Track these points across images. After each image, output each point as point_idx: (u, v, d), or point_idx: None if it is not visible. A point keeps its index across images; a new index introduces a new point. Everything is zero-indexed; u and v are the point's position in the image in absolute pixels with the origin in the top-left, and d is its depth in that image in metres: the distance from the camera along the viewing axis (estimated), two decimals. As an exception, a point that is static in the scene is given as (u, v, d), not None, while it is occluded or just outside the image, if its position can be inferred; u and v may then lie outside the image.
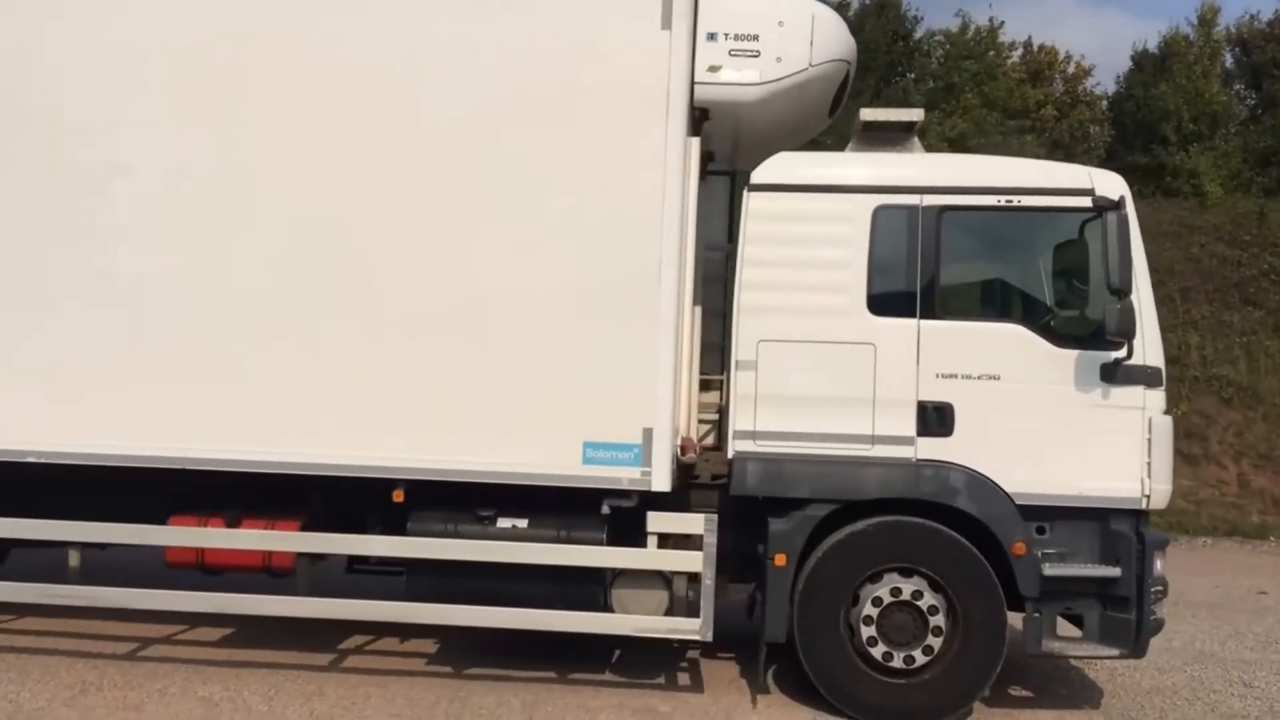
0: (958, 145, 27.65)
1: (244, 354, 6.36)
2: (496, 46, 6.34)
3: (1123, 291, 5.89)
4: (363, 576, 7.18)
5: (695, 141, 6.63)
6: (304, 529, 6.64)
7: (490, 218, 6.33)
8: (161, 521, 6.65)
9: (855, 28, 32.08)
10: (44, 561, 7.02)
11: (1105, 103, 32.71)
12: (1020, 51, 32.81)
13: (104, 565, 7.04)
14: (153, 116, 6.47)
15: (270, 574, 6.76)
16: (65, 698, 6.14)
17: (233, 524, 6.64)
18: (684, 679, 6.99)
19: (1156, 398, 6.26)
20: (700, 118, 6.72)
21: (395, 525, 6.58)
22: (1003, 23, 31.44)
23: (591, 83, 6.28)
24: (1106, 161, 32.36)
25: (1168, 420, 6.31)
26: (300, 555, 6.55)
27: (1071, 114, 31.67)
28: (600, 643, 6.92)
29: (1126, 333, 5.96)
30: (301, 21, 6.47)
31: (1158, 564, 6.23)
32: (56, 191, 6.50)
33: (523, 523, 6.44)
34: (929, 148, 25.78)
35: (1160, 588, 6.23)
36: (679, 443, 6.50)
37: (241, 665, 6.89)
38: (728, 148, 7.28)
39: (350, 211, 6.38)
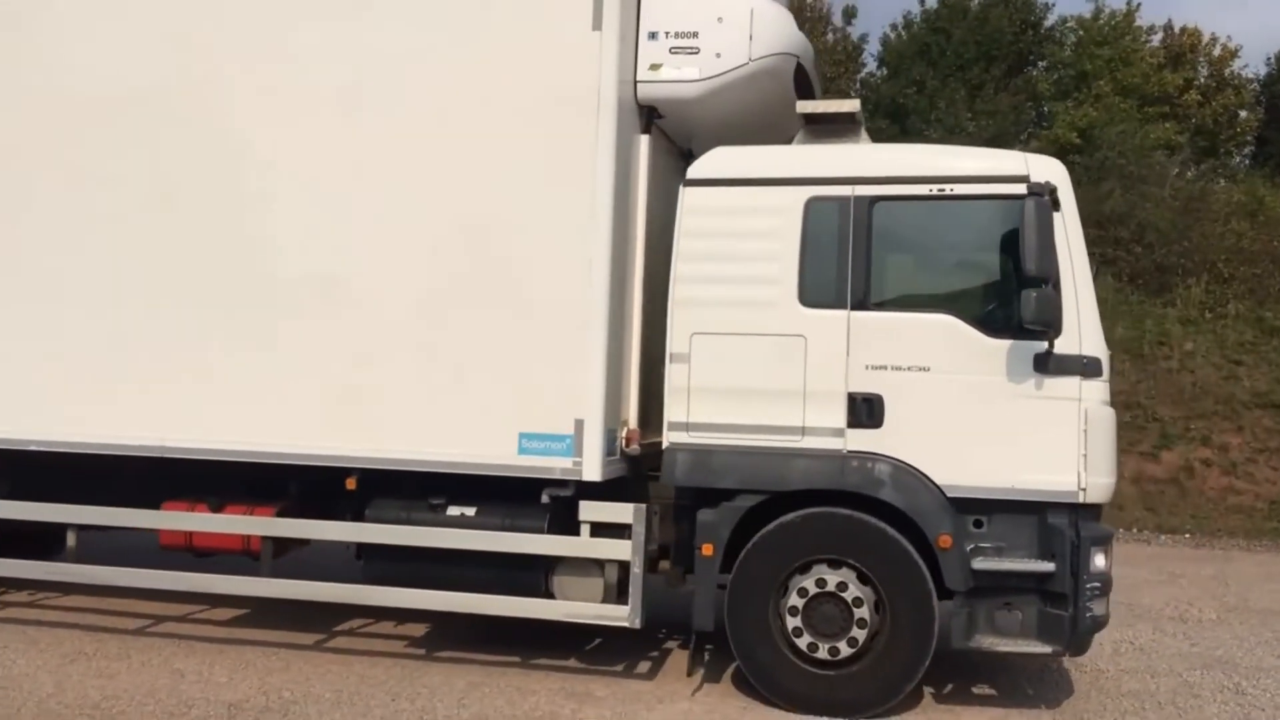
0: (1087, 135, 26.68)
1: (215, 358, 6.84)
2: (435, 53, 6.63)
3: (1041, 279, 5.76)
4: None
5: (645, 139, 6.81)
6: (279, 515, 7.07)
7: (430, 221, 6.63)
8: (156, 507, 7.19)
9: (979, 18, 31.06)
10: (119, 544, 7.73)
11: (1255, 85, 30.94)
12: (1160, 35, 31.33)
13: (133, 549, 7.64)
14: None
15: (251, 556, 7.20)
16: (53, 665, 6.70)
17: (216, 509, 7.12)
18: (644, 667, 7.11)
19: (1095, 389, 6.08)
20: (650, 115, 6.85)
21: (361, 514, 6.93)
22: (1139, 5, 30.09)
23: (524, 84, 6.51)
24: (1259, 148, 30.70)
25: (1106, 411, 6.13)
26: (265, 539, 6.96)
27: (1217, 99, 30.04)
28: (581, 630, 7.11)
29: (1044, 321, 5.81)
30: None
31: (1098, 560, 6.04)
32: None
33: (471, 511, 6.70)
34: (1056, 138, 24.95)
35: (1098, 584, 6.03)
36: (624, 435, 6.68)
37: (231, 643, 7.38)
38: (696, 144, 7.37)
39: (312, 226, 6.78)
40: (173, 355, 6.90)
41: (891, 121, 29.79)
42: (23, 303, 7.19)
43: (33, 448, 7.11)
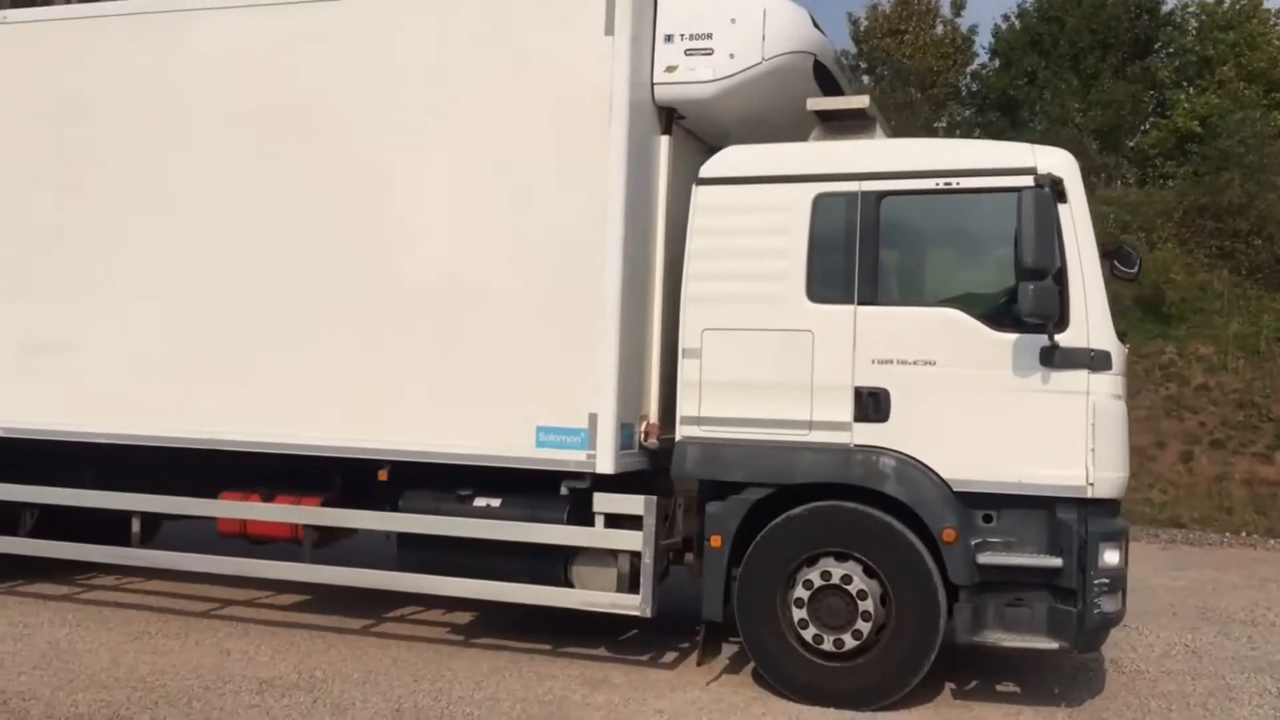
0: (1208, 123, 25.70)
1: (261, 360, 7.28)
2: (468, 66, 6.93)
3: (1039, 272, 5.72)
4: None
5: (665, 140, 6.98)
6: (323, 505, 7.46)
7: (453, 224, 6.92)
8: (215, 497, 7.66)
9: (1094, 5, 30.07)
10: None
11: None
12: (1290, 17, 29.88)
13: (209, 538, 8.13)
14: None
15: (299, 544, 7.60)
16: (115, 642, 7.20)
17: (267, 500, 7.55)
18: (669, 658, 7.26)
19: (1103, 382, 6.01)
20: (670, 116, 7.01)
21: (396, 505, 7.26)
22: (1267, -14, 28.80)
23: (541, 88, 6.75)
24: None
25: (1115, 405, 6.05)
26: (307, 527, 7.35)
27: (1354, 82, 28.51)
28: (618, 621, 7.21)
29: (1042, 314, 5.79)
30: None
31: (1107, 555, 5.97)
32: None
33: (496, 502, 6.96)
34: (1176, 128, 24.11)
35: (1106, 580, 5.95)
36: (644, 428, 6.85)
37: (284, 625, 7.81)
38: (729, 143, 7.48)
39: (341, 235, 7.16)
40: (228, 358, 7.34)
41: (1002, 114, 29.21)
42: (129, 307, 7.67)
43: (115, 440, 7.61)
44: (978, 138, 31.91)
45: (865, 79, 32.36)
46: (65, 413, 7.70)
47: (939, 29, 31.97)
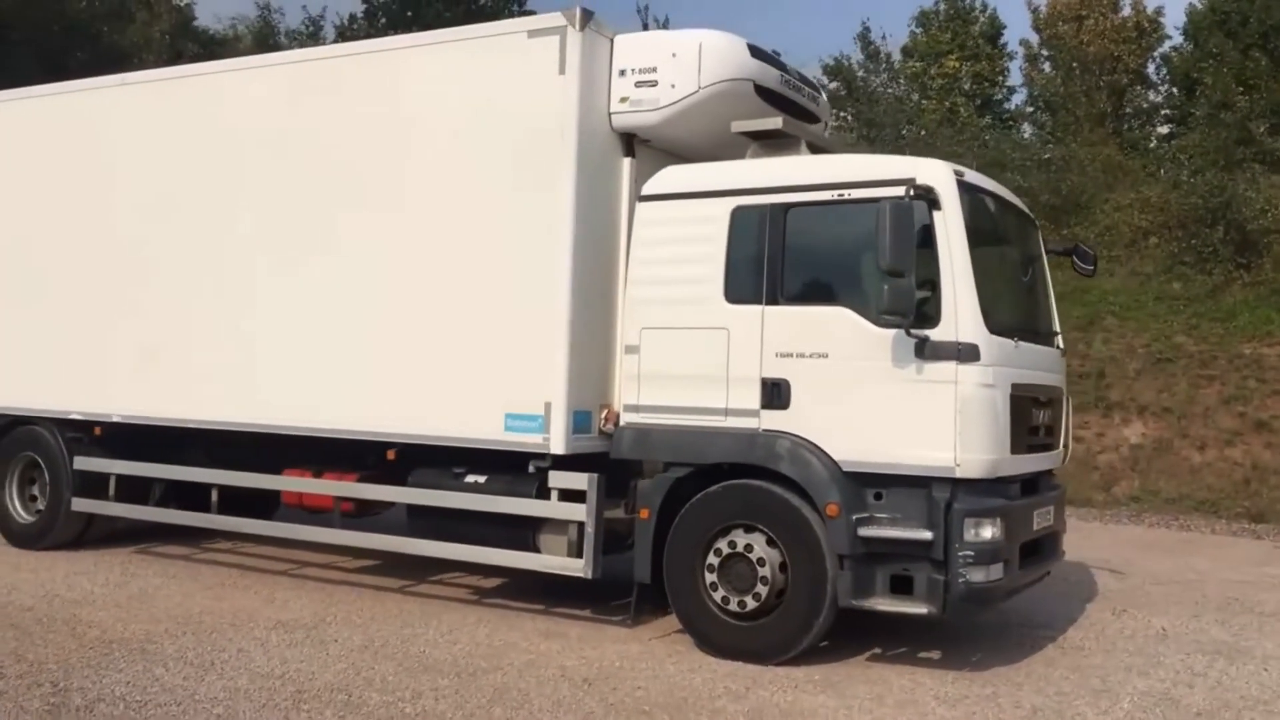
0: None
1: (300, 362, 8.73)
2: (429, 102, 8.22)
3: (895, 273, 6.37)
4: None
5: (627, 161, 7.95)
6: (360, 481, 8.81)
7: (436, 241, 8.16)
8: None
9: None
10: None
11: None
12: None
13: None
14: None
15: (344, 515, 8.97)
16: (191, 591, 8.74)
17: (317, 476, 8.98)
18: (643, 618, 8.14)
19: (972, 372, 6.57)
20: (631, 141, 7.97)
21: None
22: None
23: (504, 122, 7.88)
24: None
25: (981, 392, 6.60)
26: (336, 498, 8.74)
27: None
28: (623, 590, 8.00)
29: (899, 311, 6.44)
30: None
31: (973, 530, 6.55)
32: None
33: (482, 479, 8.10)
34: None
35: (972, 552, 6.52)
36: (604, 415, 7.85)
37: (335, 583, 9.21)
38: (700, 159, 8.36)
39: (354, 267, 8.51)
40: (278, 362, 8.83)
41: (1189, 98, 28.08)
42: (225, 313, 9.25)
43: (199, 426, 9.25)
44: (1159, 123, 30.72)
45: (1046, 67, 31.72)
46: (164, 404, 9.39)
47: (1126, 10, 30.87)
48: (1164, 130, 30.05)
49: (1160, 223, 21.66)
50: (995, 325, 6.78)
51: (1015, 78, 32.95)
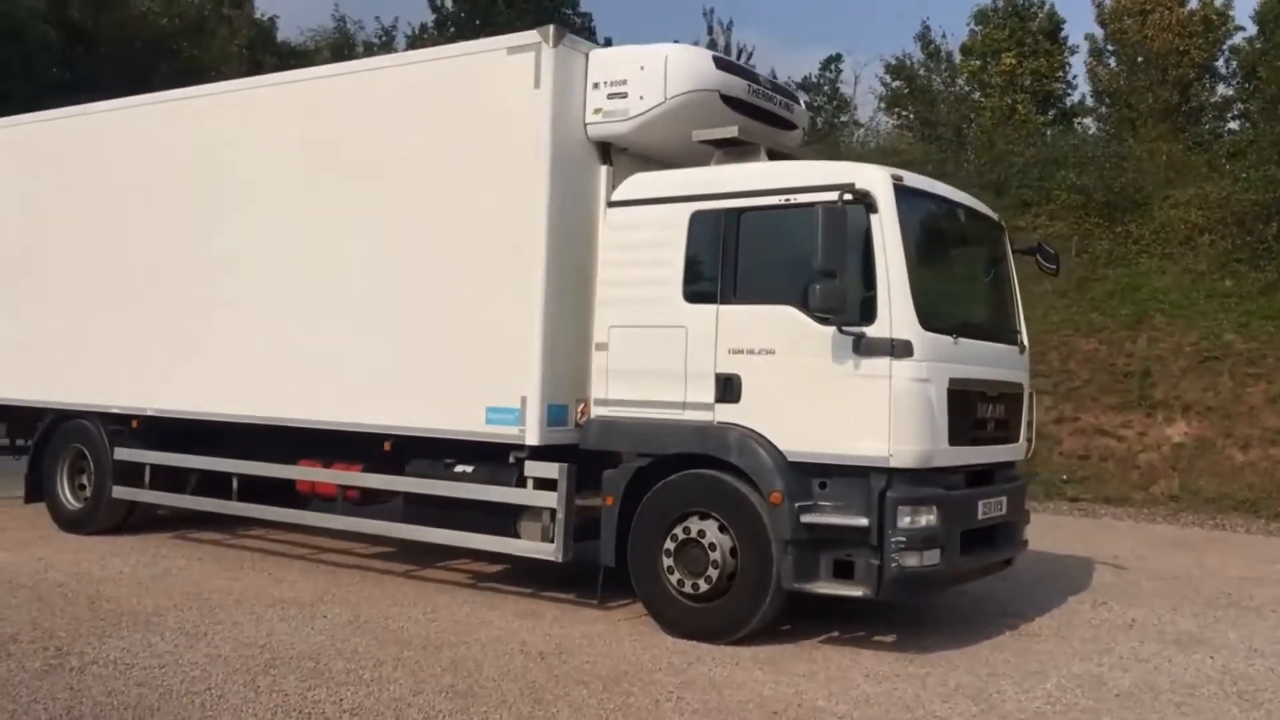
0: None
1: (297, 354, 9.37)
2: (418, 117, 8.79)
3: (827, 273, 6.73)
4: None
5: (604, 169, 8.41)
6: (364, 471, 9.42)
7: (421, 249, 8.74)
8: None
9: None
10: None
11: None
12: None
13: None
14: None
15: (351, 502, 9.59)
16: (211, 573, 9.41)
17: (326, 466, 9.60)
18: (611, 603, 8.53)
19: (905, 367, 6.90)
20: (607, 149, 8.43)
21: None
22: None
23: (485, 135, 8.39)
24: None
25: (913, 386, 6.93)
26: (338, 486, 9.35)
27: None
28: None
29: (829, 309, 6.81)
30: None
31: (907, 517, 6.88)
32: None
33: (470, 468, 8.63)
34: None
35: (904, 539, 6.84)
36: (580, 409, 8.32)
37: (345, 567, 9.82)
38: (680, 165, 8.78)
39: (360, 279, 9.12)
40: (287, 363, 9.49)
41: (1254, 92, 27.53)
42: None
43: (224, 419, 9.96)
44: (1231, 117, 30.07)
45: (1111, 62, 31.28)
46: (189, 399, 10.13)
47: (1193, 3, 30.29)
48: (1234, 125, 29.44)
49: (1216, 219, 21.39)
50: (934, 323, 7.09)
51: (1076, 73, 32.53)
